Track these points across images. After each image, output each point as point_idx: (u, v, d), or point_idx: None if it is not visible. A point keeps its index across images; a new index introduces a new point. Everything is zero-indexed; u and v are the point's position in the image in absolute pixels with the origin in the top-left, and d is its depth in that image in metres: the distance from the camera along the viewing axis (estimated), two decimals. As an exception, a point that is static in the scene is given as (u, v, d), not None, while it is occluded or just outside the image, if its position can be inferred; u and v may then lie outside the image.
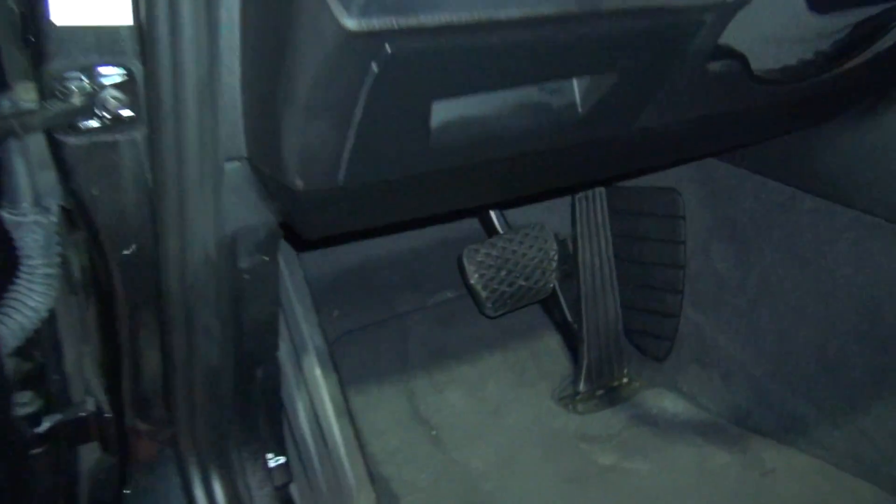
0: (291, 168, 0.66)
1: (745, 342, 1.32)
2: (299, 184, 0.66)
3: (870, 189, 1.10)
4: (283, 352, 1.07)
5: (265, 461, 0.96)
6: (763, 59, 0.82)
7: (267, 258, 0.83)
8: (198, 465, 0.90)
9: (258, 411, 0.95)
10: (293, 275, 1.13)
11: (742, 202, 1.27)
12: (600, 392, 1.45)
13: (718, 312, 1.35)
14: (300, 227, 0.81)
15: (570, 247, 1.43)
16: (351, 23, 0.50)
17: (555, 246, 1.34)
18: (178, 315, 0.80)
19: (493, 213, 1.37)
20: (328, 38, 0.52)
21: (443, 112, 0.67)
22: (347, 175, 0.67)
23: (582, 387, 1.43)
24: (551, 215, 1.49)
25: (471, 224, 1.49)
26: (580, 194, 1.40)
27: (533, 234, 1.32)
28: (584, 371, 1.44)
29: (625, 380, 1.47)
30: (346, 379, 1.20)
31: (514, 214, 1.45)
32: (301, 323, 1.15)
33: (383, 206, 0.79)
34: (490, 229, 1.40)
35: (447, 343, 1.44)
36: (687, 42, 0.68)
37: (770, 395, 1.30)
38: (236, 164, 0.74)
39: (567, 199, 1.45)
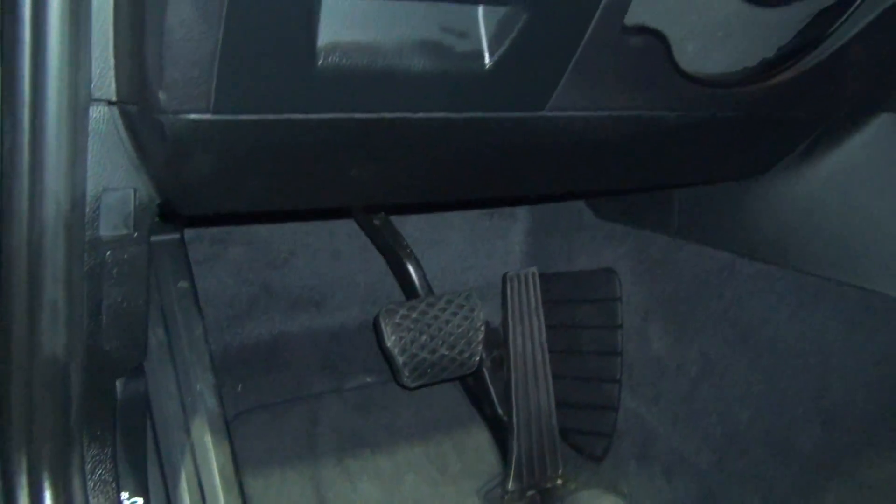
0: (153, 81, 0.58)
1: (687, 431, 1.20)
2: (162, 98, 0.58)
3: (807, 247, 1.05)
4: (169, 406, 0.94)
5: (118, 500, 0.80)
6: (686, 56, 0.79)
7: (135, 234, 0.73)
8: (29, 490, 0.74)
9: (115, 437, 0.80)
10: (186, 310, 1.01)
11: (678, 275, 1.21)
12: (531, 493, 1.30)
13: (658, 399, 1.24)
14: (174, 194, 0.72)
15: (501, 333, 1.34)
16: None
17: (482, 316, 1.25)
18: (18, 282, 0.68)
19: (414, 275, 1.28)
20: None
21: (333, 30, 0.61)
22: (219, 93, 0.59)
23: (511, 486, 1.28)
24: (484, 304, 1.41)
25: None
26: (511, 274, 1.33)
27: (458, 300, 1.22)
28: (513, 469, 1.29)
29: (559, 480, 1.33)
30: (244, 458, 1.06)
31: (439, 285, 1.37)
32: (193, 377, 1.02)
33: (267, 171, 0.71)
34: (411, 293, 1.30)
35: (363, 430, 1.30)
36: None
37: (716, 491, 1.17)
38: (103, 108, 0.66)
39: (498, 287, 1.37)
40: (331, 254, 1.40)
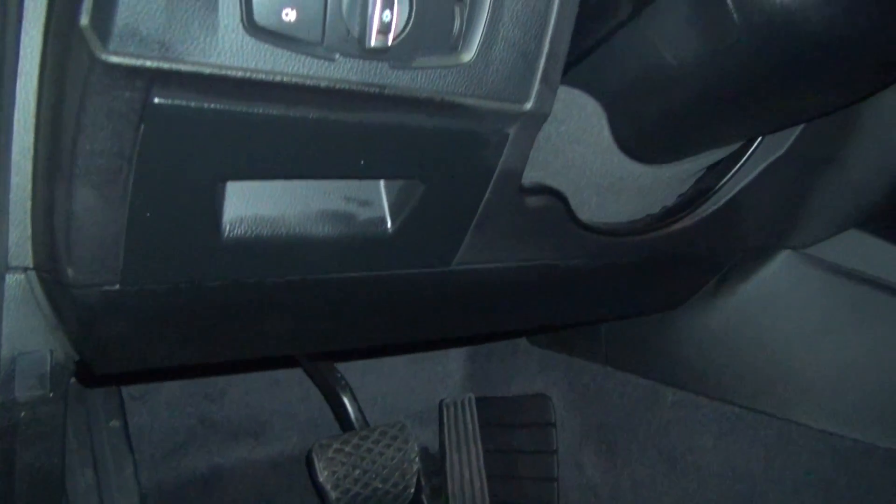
0: (62, 258, 0.61)
1: (623, 558, 1.21)
2: (70, 274, 0.61)
3: (724, 377, 1.09)
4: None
5: None
6: (587, 210, 0.83)
7: (50, 394, 0.74)
8: None
9: None
10: (117, 450, 1.01)
11: (608, 402, 1.24)
12: None
13: (594, 528, 1.25)
14: (90, 355, 0.74)
15: (438, 460, 1.35)
16: (105, 54, 0.49)
17: (416, 448, 1.25)
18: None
19: (349, 407, 1.29)
20: (85, 73, 0.50)
21: (237, 207, 0.64)
22: (126, 268, 0.62)
23: None
24: (422, 429, 1.42)
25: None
26: (447, 401, 1.35)
27: (392, 433, 1.23)
28: None
29: None
30: None
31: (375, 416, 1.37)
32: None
33: (181, 331, 0.73)
34: (346, 425, 1.31)
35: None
36: (493, 157, 0.68)
37: None
38: (20, 275, 0.69)
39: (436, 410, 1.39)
40: (269, 383, 1.41)
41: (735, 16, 0.61)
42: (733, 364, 1.07)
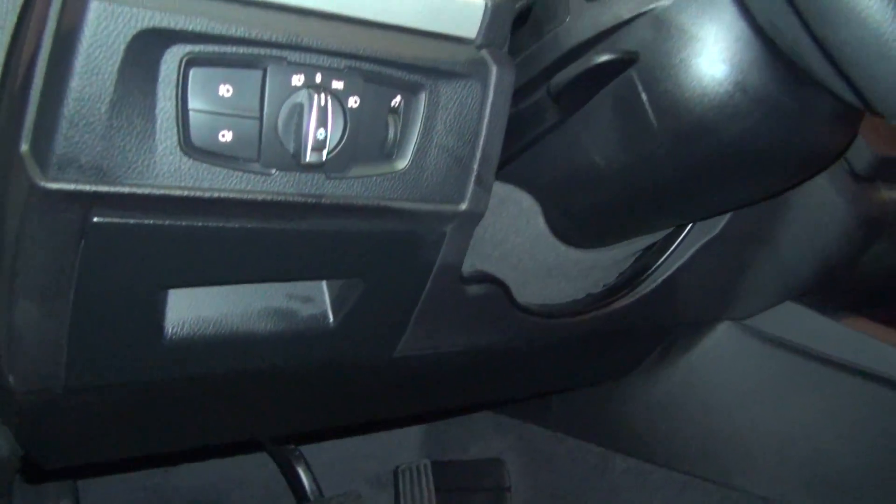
0: (3, 365, 0.62)
1: None
2: (12, 380, 0.62)
3: (671, 444, 1.11)
4: None
5: None
6: (527, 294, 0.86)
7: (-4, 492, 0.74)
8: None
9: None
10: None
11: (560, 467, 1.26)
12: None
13: None
14: (36, 452, 0.74)
15: (396, 527, 1.35)
16: (45, 181, 0.51)
17: (370, 518, 1.26)
18: None
19: (303, 477, 1.29)
20: (24, 198, 0.52)
21: (180, 310, 0.65)
22: (69, 374, 0.63)
23: None
24: (380, 493, 1.42)
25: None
26: (402, 467, 1.35)
27: (347, 503, 1.24)
28: None
29: None
30: None
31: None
32: None
33: (127, 426, 0.74)
34: (300, 496, 1.31)
35: None
36: (431, 254, 0.71)
37: None
38: None
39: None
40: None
41: (655, 124, 0.64)
42: (679, 432, 1.10)
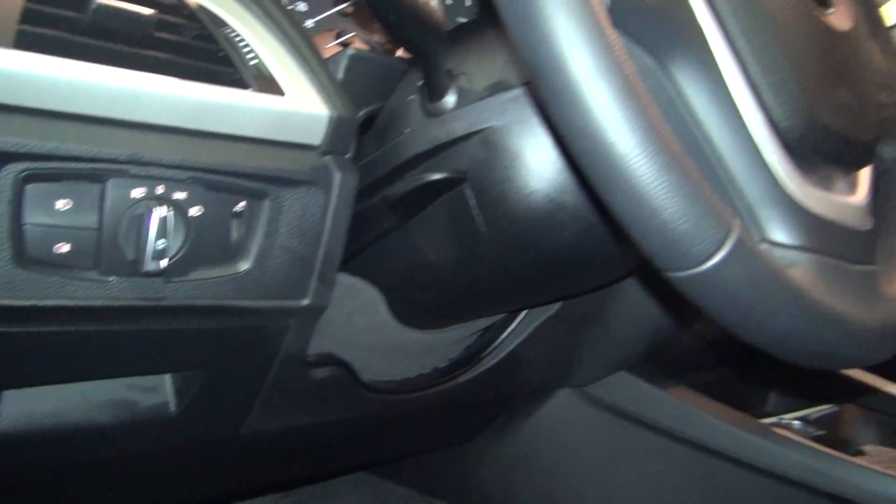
0: None
1: None
2: None
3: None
4: None
5: None
6: (374, 372, 0.90)
7: None
8: None
9: None
10: None
11: (414, 525, 1.29)
12: None
13: None
14: None
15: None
16: None
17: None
18: None
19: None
20: None
21: (17, 405, 0.65)
22: None
23: None
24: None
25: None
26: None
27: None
28: None
29: None
30: None
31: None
32: None
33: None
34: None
35: None
36: (274, 345, 0.73)
37: None
38: None
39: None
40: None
41: (484, 232, 0.70)
42: (523, 492, 1.16)
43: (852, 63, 0.61)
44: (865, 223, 0.62)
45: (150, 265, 0.59)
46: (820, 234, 0.55)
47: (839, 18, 0.62)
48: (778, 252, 0.53)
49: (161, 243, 0.59)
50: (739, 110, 0.54)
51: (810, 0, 0.60)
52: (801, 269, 0.53)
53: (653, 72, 0.53)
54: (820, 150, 0.57)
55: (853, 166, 0.63)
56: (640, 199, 0.45)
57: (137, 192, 0.58)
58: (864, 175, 0.65)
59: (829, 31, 0.60)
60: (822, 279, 0.53)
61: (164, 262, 0.60)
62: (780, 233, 0.54)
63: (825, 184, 0.59)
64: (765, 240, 0.54)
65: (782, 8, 0.56)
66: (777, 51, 0.55)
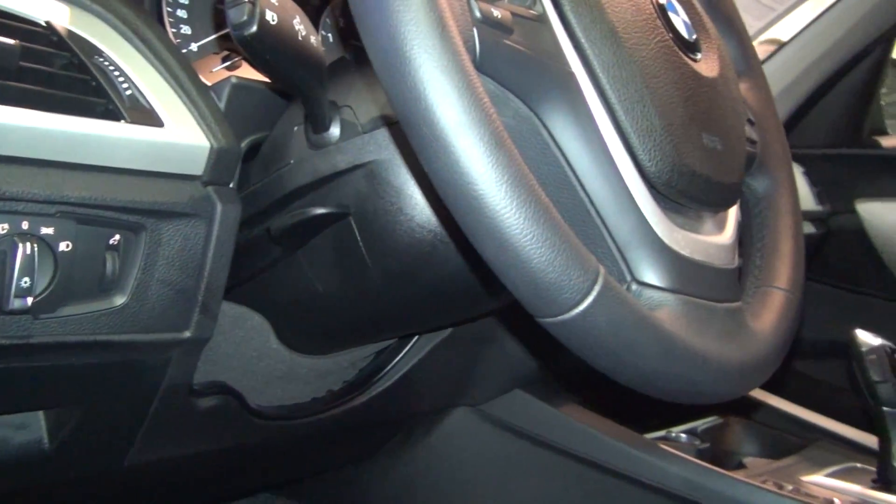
0: None
1: None
2: None
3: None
4: None
5: None
6: (266, 397, 0.88)
7: None
8: None
9: None
10: None
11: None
12: None
13: None
14: None
15: None
16: None
17: None
18: None
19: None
20: None
21: None
22: None
23: None
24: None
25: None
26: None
27: None
28: None
29: None
30: None
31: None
32: None
33: None
34: None
35: None
36: (156, 377, 0.71)
37: None
38: None
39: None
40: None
41: (369, 264, 0.70)
42: (419, 509, 1.16)
43: (718, 108, 0.64)
44: (732, 261, 0.64)
45: (14, 303, 0.57)
46: (687, 275, 0.57)
47: (706, 66, 0.64)
48: (646, 293, 0.55)
49: (25, 281, 0.57)
50: (610, 155, 0.55)
51: (679, 49, 0.62)
52: (666, 311, 0.54)
53: (527, 118, 0.54)
54: (687, 194, 0.59)
55: (720, 207, 0.66)
56: (509, 250, 0.46)
57: (0, 228, 0.56)
58: (732, 214, 0.68)
59: (697, 78, 0.62)
60: (688, 319, 0.55)
61: (29, 300, 0.57)
62: (648, 274, 0.56)
63: (692, 225, 0.61)
64: (635, 280, 0.56)
65: (651, 57, 0.58)
66: (645, 98, 0.56)
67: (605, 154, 0.55)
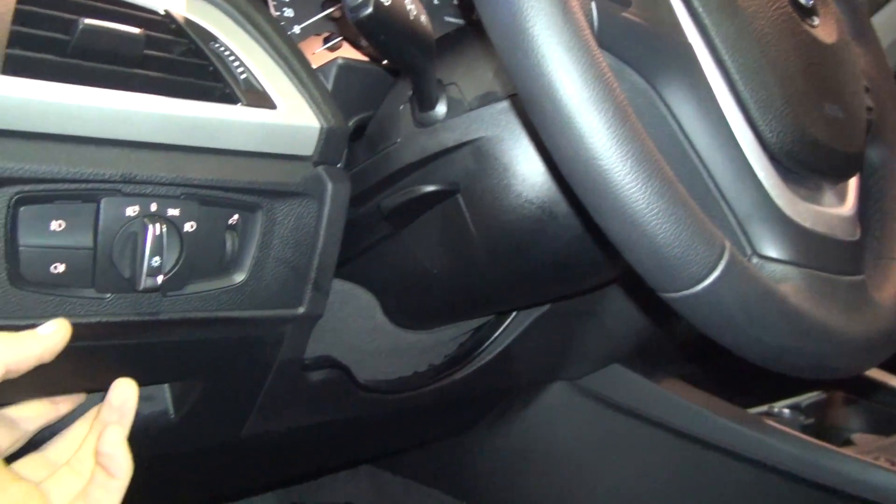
0: None
1: None
2: None
3: (510, 495, 1.18)
4: None
5: None
6: (370, 371, 0.90)
7: None
8: None
9: None
10: None
11: (409, 514, 1.31)
12: None
13: None
14: None
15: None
16: None
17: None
18: None
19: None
20: None
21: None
22: None
23: None
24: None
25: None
26: (257, 513, 1.37)
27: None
28: None
29: None
30: None
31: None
32: None
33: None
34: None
35: None
36: (271, 352, 0.74)
37: None
38: None
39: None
40: None
41: (477, 240, 0.70)
42: (518, 482, 1.17)
43: (839, 75, 0.61)
44: (854, 233, 0.62)
45: (146, 282, 0.59)
46: (809, 247, 0.56)
47: (824, 31, 0.62)
48: (769, 267, 0.54)
49: (156, 260, 0.59)
50: (729, 127, 0.54)
51: (797, 15, 0.60)
52: (791, 285, 0.53)
53: (644, 91, 0.53)
54: (808, 164, 0.57)
55: (841, 177, 0.64)
56: (633, 225, 0.45)
57: (131, 211, 0.59)
58: (852, 185, 0.65)
59: (816, 45, 0.60)
60: (812, 294, 0.54)
61: (159, 279, 0.60)
62: (770, 248, 0.55)
63: (814, 197, 0.59)
64: (756, 254, 0.55)
65: (769, 25, 0.56)
66: (764, 68, 0.55)
67: (724, 126, 0.54)
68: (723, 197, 0.55)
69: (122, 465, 0.59)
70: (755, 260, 0.54)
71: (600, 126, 0.44)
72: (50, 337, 0.54)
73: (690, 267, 0.46)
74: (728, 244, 0.48)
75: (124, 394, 0.61)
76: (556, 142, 0.45)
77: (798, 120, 0.56)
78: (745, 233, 0.55)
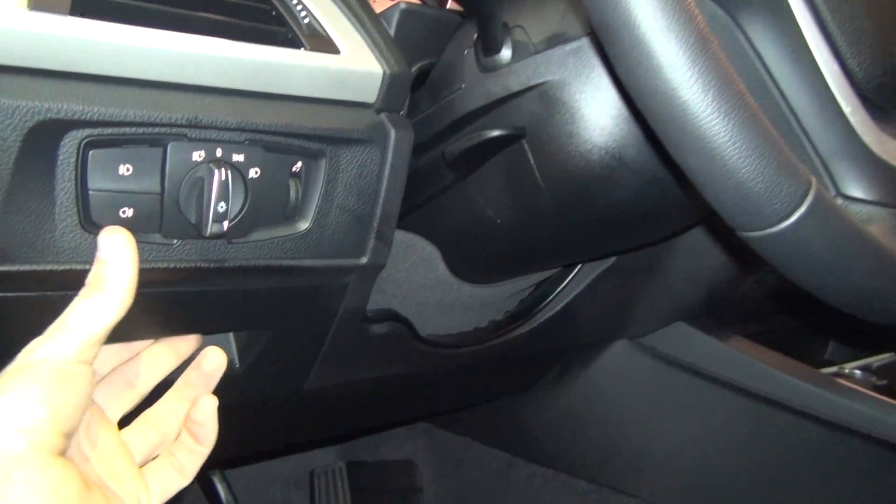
0: None
1: None
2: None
3: (569, 454, 1.18)
4: None
5: None
6: (431, 325, 0.90)
7: None
8: None
9: None
10: None
11: (467, 472, 1.31)
12: None
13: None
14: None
15: (311, 527, 1.39)
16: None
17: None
18: None
19: (219, 487, 1.32)
20: None
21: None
22: None
23: None
24: (297, 492, 1.46)
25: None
26: (318, 470, 1.39)
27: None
28: None
29: None
30: None
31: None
32: None
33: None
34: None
35: None
36: (335, 302, 0.74)
37: None
38: None
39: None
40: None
41: (543, 187, 0.68)
42: (578, 441, 1.17)
43: (933, 6, 0.58)
44: (944, 174, 0.59)
45: (212, 228, 0.59)
46: (898, 188, 0.53)
47: (920, -41, 0.58)
48: (854, 207, 0.52)
49: (222, 206, 0.59)
50: (814, 60, 0.52)
51: (889, -59, 0.56)
52: (877, 226, 0.51)
53: (724, 23, 0.51)
54: (898, 100, 0.54)
55: (932, 115, 0.60)
56: (715, 159, 0.43)
57: (197, 156, 0.58)
58: (943, 123, 0.62)
59: (909, -27, 0.57)
60: (900, 235, 0.51)
61: (225, 225, 0.60)
62: (855, 188, 0.52)
63: (903, 135, 0.56)
64: (840, 194, 0.52)
65: (860, -48, 0.53)
66: (853, -2, 0.52)
67: (809, 59, 0.52)
68: (805, 134, 0.52)
69: (210, 435, 0.61)
70: (839, 201, 0.52)
71: (680, 55, 0.42)
72: (120, 288, 0.54)
73: (774, 203, 0.44)
74: (814, 180, 0.45)
75: (215, 362, 0.63)
76: (633, 74, 0.43)
77: (889, 52, 0.53)
78: (828, 172, 0.52)
